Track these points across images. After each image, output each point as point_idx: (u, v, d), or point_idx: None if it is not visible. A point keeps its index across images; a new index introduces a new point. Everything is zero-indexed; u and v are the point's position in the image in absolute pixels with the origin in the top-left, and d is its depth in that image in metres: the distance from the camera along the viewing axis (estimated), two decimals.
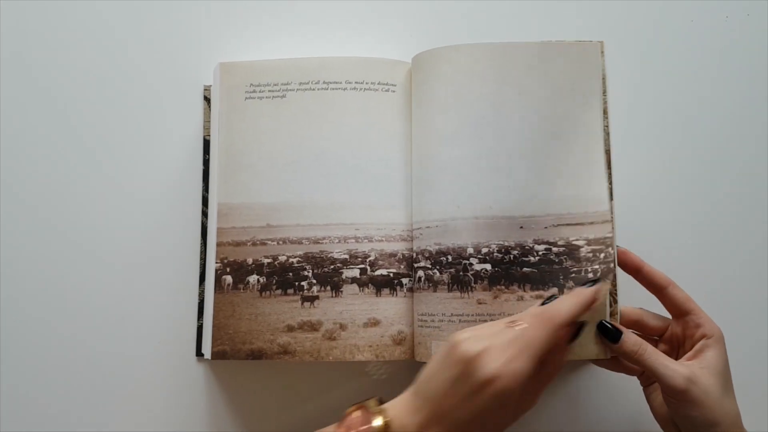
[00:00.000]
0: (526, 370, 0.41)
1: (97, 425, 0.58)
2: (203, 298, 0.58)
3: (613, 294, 0.51)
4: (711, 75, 0.63)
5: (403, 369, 0.58)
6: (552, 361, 0.45)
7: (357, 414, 0.43)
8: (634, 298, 0.53)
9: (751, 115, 0.63)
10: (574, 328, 0.47)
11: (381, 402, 0.45)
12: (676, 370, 0.47)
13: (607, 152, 0.53)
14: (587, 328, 0.48)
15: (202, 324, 0.58)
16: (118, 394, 0.59)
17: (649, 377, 0.52)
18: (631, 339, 0.48)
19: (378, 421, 0.42)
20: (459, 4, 0.64)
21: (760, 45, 0.64)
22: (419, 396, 0.43)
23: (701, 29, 0.64)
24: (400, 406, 0.44)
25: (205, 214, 0.59)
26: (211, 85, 0.60)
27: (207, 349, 0.55)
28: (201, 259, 0.59)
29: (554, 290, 0.51)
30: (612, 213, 0.52)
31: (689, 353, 0.49)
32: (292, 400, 0.59)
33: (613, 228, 0.52)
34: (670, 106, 0.63)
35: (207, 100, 0.61)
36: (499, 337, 0.42)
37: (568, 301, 0.46)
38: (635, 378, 0.54)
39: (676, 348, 0.52)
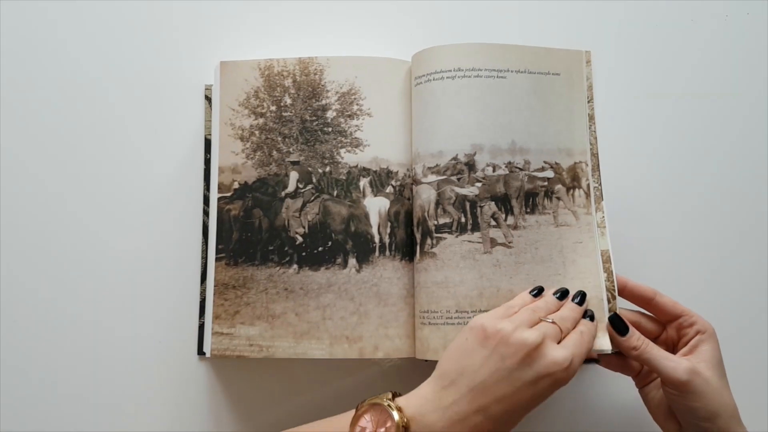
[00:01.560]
0: (580, 364, 0.45)
1: (99, 424, 0.58)
2: (204, 297, 0.58)
3: (611, 291, 0.52)
4: (711, 74, 0.64)
5: (409, 361, 0.58)
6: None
7: (372, 413, 0.43)
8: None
9: (752, 113, 0.63)
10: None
11: (395, 396, 0.44)
12: (678, 362, 0.48)
13: (595, 156, 0.54)
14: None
15: (203, 323, 0.58)
16: (120, 393, 0.59)
17: (645, 377, 0.53)
18: (635, 334, 0.50)
19: (396, 418, 0.42)
20: (458, 5, 0.64)
21: (760, 44, 0.64)
22: (453, 388, 0.43)
23: (701, 28, 0.64)
24: (419, 402, 0.44)
25: (206, 213, 0.59)
26: (212, 85, 0.60)
27: (208, 348, 0.55)
28: (202, 258, 0.59)
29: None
30: (603, 213, 0.53)
31: (684, 349, 0.50)
32: (294, 398, 0.59)
33: (604, 231, 0.53)
34: (671, 104, 0.63)
35: (208, 99, 0.61)
36: (551, 331, 0.45)
37: (590, 332, 0.48)
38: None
39: (671, 348, 0.52)
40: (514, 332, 0.44)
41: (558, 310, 0.49)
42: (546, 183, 0.54)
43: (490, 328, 0.44)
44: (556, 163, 0.54)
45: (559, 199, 0.54)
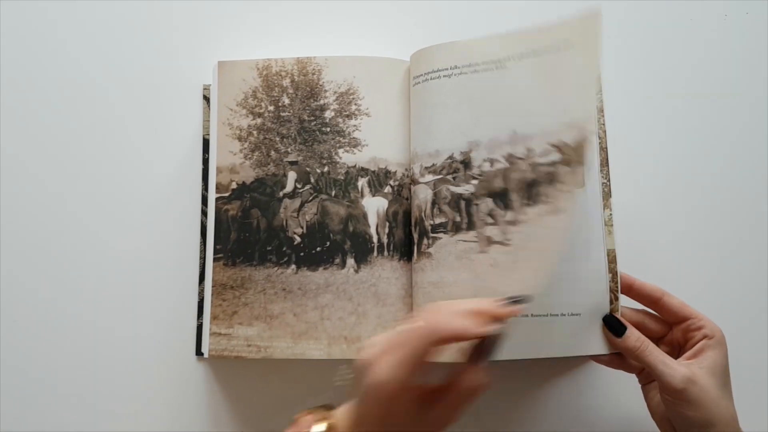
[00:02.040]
0: (396, 375, 0.39)
1: (97, 424, 0.58)
2: (203, 297, 0.58)
3: (614, 291, 0.51)
4: (710, 73, 0.63)
5: None
6: (459, 381, 0.42)
7: (306, 419, 0.43)
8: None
9: (751, 113, 0.63)
10: (482, 346, 0.43)
11: (331, 408, 0.44)
12: (676, 369, 0.47)
13: (604, 149, 0.53)
14: (501, 341, 0.43)
15: (201, 323, 0.58)
16: (118, 393, 0.59)
17: (647, 375, 0.53)
18: (634, 335, 0.49)
19: (321, 427, 0.42)
20: (458, 4, 0.64)
21: (759, 43, 0.64)
22: (356, 405, 0.42)
23: (700, 28, 0.64)
24: (346, 414, 0.43)
25: (204, 213, 0.59)
26: (210, 85, 0.60)
27: (206, 348, 0.55)
28: (200, 258, 0.59)
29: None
30: (610, 210, 0.52)
31: (688, 353, 0.49)
32: (292, 399, 0.59)
33: (611, 230, 0.52)
34: (669, 104, 0.63)
35: (206, 99, 0.61)
36: (387, 338, 0.41)
37: (464, 319, 0.41)
38: (634, 378, 0.54)
39: (677, 350, 0.52)
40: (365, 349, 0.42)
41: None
42: (552, 168, 0.50)
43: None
44: (563, 143, 0.50)
45: (562, 182, 0.50)
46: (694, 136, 0.63)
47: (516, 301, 0.43)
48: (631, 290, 0.51)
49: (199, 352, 0.59)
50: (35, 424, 0.58)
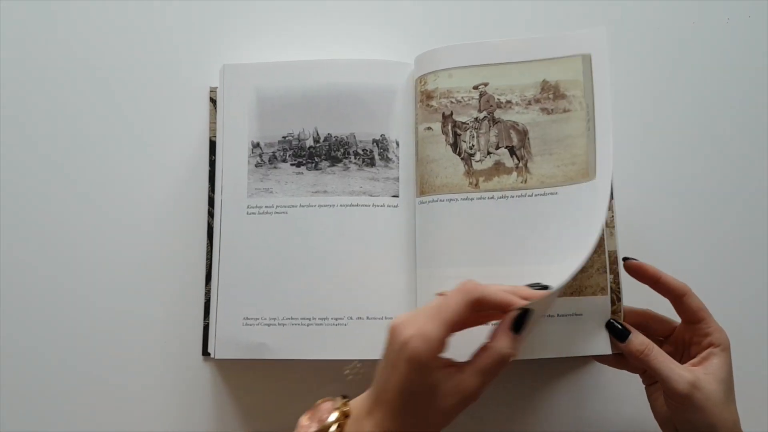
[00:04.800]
0: (434, 334, 0.40)
1: (104, 424, 0.58)
2: (209, 298, 0.58)
3: (616, 292, 0.51)
4: (712, 76, 0.64)
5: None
6: (490, 344, 0.42)
7: (325, 406, 0.43)
8: (637, 298, 0.53)
9: (753, 116, 0.63)
10: (515, 315, 0.43)
11: (347, 399, 0.44)
12: (681, 374, 0.47)
13: None
14: (532, 317, 0.43)
15: (208, 323, 0.58)
16: (125, 393, 0.59)
17: (651, 376, 0.52)
18: (638, 339, 0.49)
19: (333, 416, 0.42)
20: (458, 5, 0.64)
21: (761, 46, 0.64)
22: (372, 393, 0.43)
23: (702, 31, 0.64)
24: (360, 404, 0.43)
25: (211, 214, 0.60)
26: (217, 87, 0.61)
27: (213, 349, 0.55)
28: (207, 258, 0.60)
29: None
30: (613, 212, 0.53)
31: (695, 359, 0.49)
32: (299, 399, 0.59)
33: (613, 231, 0.52)
34: (672, 107, 0.63)
35: (213, 101, 0.61)
36: (422, 309, 0.42)
37: (499, 288, 0.43)
38: (637, 378, 0.54)
39: (681, 351, 0.52)
40: (394, 320, 0.42)
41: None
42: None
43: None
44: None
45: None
46: (696, 139, 0.63)
47: (543, 287, 0.45)
48: (657, 283, 0.51)
49: (205, 352, 0.59)
50: (42, 423, 0.58)
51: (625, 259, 0.52)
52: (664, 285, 0.50)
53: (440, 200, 0.54)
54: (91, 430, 0.58)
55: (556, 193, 0.52)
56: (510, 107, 0.54)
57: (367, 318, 0.55)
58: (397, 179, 0.57)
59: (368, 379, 0.44)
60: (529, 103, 0.53)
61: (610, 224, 0.53)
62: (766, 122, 0.63)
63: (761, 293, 0.61)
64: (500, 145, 0.54)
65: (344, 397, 0.44)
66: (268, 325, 0.55)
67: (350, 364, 0.54)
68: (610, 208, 0.53)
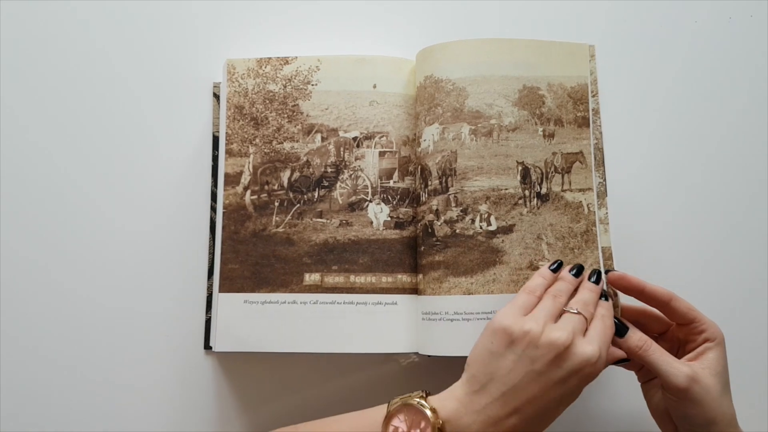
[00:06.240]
0: (606, 358, 0.45)
1: (106, 418, 0.59)
2: (211, 292, 0.59)
3: (614, 288, 0.52)
4: (714, 75, 0.64)
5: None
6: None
7: (405, 413, 0.43)
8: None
9: (753, 114, 0.63)
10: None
11: (426, 396, 0.44)
12: (679, 368, 0.47)
13: (600, 150, 0.54)
14: None
15: (210, 317, 0.59)
16: (128, 387, 0.59)
17: (647, 373, 0.53)
18: (636, 335, 0.49)
19: (431, 418, 0.43)
20: (458, 5, 0.64)
21: (762, 46, 0.64)
22: (485, 392, 0.43)
23: (705, 30, 0.64)
24: (453, 404, 0.44)
25: (213, 209, 0.60)
26: (220, 82, 0.61)
27: (215, 342, 0.56)
28: (209, 253, 0.60)
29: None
30: (607, 210, 0.53)
31: (691, 354, 0.50)
32: (301, 393, 0.59)
33: (607, 227, 0.53)
34: (674, 106, 0.63)
35: (216, 96, 0.62)
36: (578, 325, 0.45)
37: (610, 315, 0.49)
38: (633, 376, 0.54)
39: (677, 347, 0.52)
40: (543, 334, 0.44)
41: (575, 288, 0.49)
42: None
43: (516, 330, 0.44)
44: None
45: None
46: (697, 137, 0.63)
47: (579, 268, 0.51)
48: (642, 294, 0.51)
49: (207, 346, 0.59)
50: (44, 417, 0.59)
51: (607, 271, 0.52)
52: (650, 294, 0.51)
53: None
54: (94, 423, 0.59)
55: None
56: None
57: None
58: None
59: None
60: None
61: (604, 221, 0.53)
62: (765, 120, 0.63)
63: (754, 288, 0.61)
64: None
65: (427, 394, 0.45)
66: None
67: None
68: (604, 205, 0.53)
